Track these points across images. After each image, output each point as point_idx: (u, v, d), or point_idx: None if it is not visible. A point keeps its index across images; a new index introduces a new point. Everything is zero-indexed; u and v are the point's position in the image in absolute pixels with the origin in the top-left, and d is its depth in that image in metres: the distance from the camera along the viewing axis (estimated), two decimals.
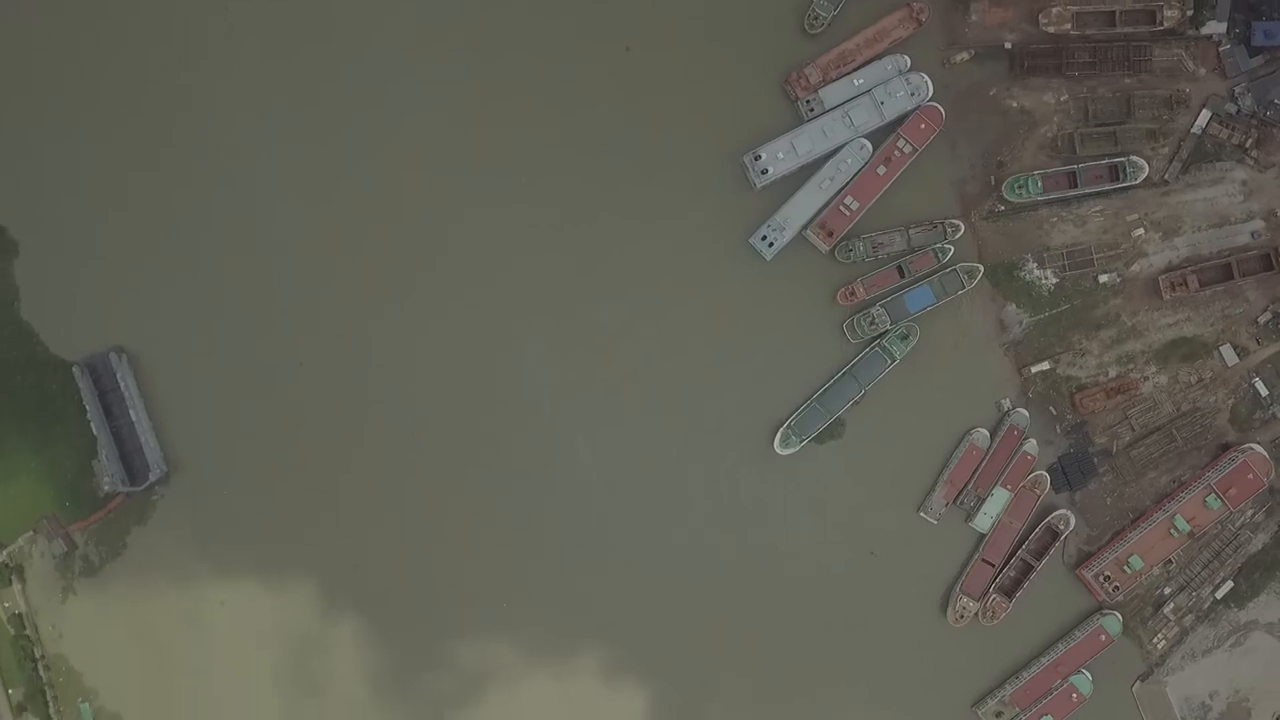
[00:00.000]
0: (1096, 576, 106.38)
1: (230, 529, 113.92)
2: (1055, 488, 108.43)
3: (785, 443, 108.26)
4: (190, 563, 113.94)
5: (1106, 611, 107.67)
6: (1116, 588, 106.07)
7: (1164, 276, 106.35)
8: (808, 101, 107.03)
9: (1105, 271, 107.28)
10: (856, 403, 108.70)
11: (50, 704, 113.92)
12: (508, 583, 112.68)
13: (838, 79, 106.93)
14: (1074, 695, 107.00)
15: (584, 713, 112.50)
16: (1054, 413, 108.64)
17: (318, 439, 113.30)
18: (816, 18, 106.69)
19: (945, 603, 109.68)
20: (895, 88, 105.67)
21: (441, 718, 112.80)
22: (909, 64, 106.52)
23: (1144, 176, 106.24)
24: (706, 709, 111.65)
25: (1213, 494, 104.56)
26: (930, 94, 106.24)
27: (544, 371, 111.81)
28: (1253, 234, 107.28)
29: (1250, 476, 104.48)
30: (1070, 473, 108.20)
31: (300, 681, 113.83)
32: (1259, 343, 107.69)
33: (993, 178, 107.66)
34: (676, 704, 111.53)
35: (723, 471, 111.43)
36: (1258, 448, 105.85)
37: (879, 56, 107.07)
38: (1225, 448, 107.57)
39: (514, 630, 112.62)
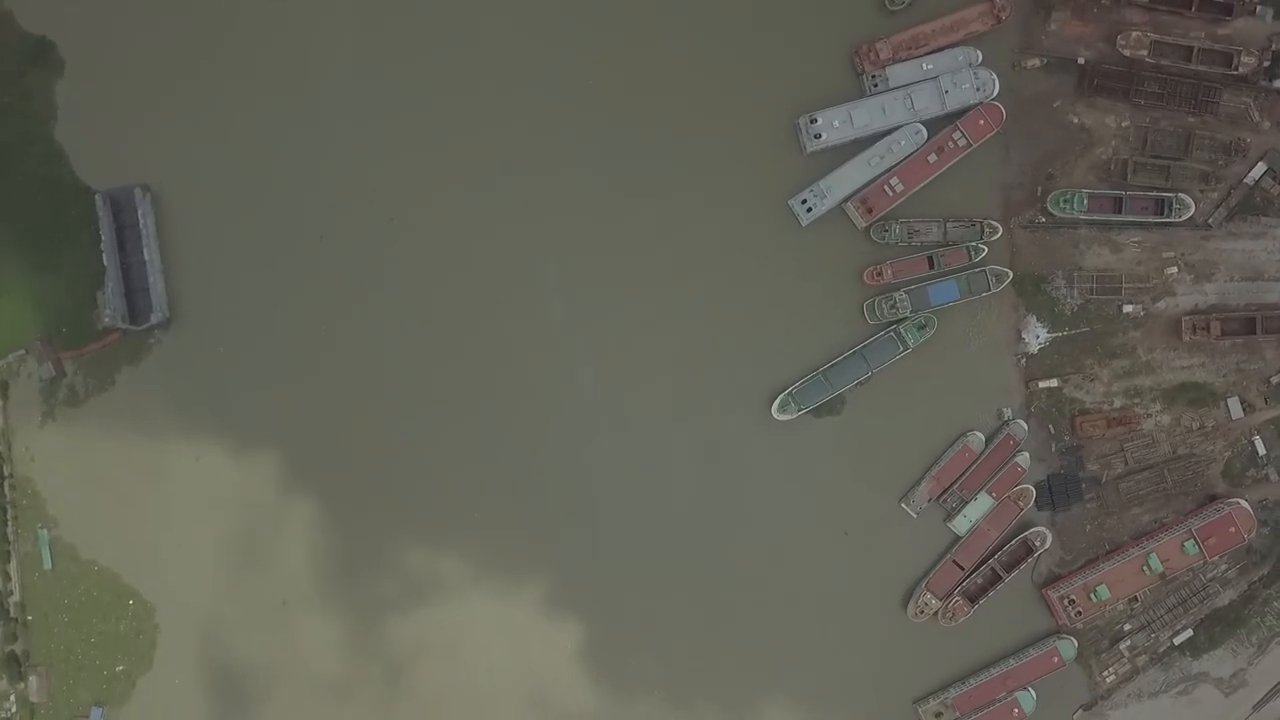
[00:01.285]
0: (1062, 599, 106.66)
1: (217, 387, 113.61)
2: (1038, 505, 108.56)
3: (784, 408, 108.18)
4: (172, 412, 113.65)
5: (1064, 635, 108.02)
6: (1079, 613, 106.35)
7: (1188, 318, 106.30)
8: (873, 76, 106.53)
9: (1131, 302, 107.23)
10: (861, 383, 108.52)
11: (9, 523, 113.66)
12: (475, 498, 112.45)
13: (907, 60, 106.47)
14: (1016, 710, 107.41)
15: (517, 639, 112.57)
16: (1052, 431, 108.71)
17: (321, 318, 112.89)
18: None
19: (908, 596, 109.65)
20: (962, 79, 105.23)
21: (377, 619, 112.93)
22: (980, 59, 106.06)
23: (1188, 216, 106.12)
24: (636, 660, 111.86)
25: (1192, 540, 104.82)
26: (995, 93, 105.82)
27: (562, 299, 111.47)
28: None
29: (1232, 530, 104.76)
30: (1056, 493, 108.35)
31: (247, 553, 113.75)
32: (1266, 402, 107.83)
33: (1040, 188, 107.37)
34: (608, 649, 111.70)
35: (716, 426, 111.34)
36: (1244, 503, 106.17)
37: (952, 45, 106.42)
38: (1212, 499, 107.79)
39: (467, 547, 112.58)
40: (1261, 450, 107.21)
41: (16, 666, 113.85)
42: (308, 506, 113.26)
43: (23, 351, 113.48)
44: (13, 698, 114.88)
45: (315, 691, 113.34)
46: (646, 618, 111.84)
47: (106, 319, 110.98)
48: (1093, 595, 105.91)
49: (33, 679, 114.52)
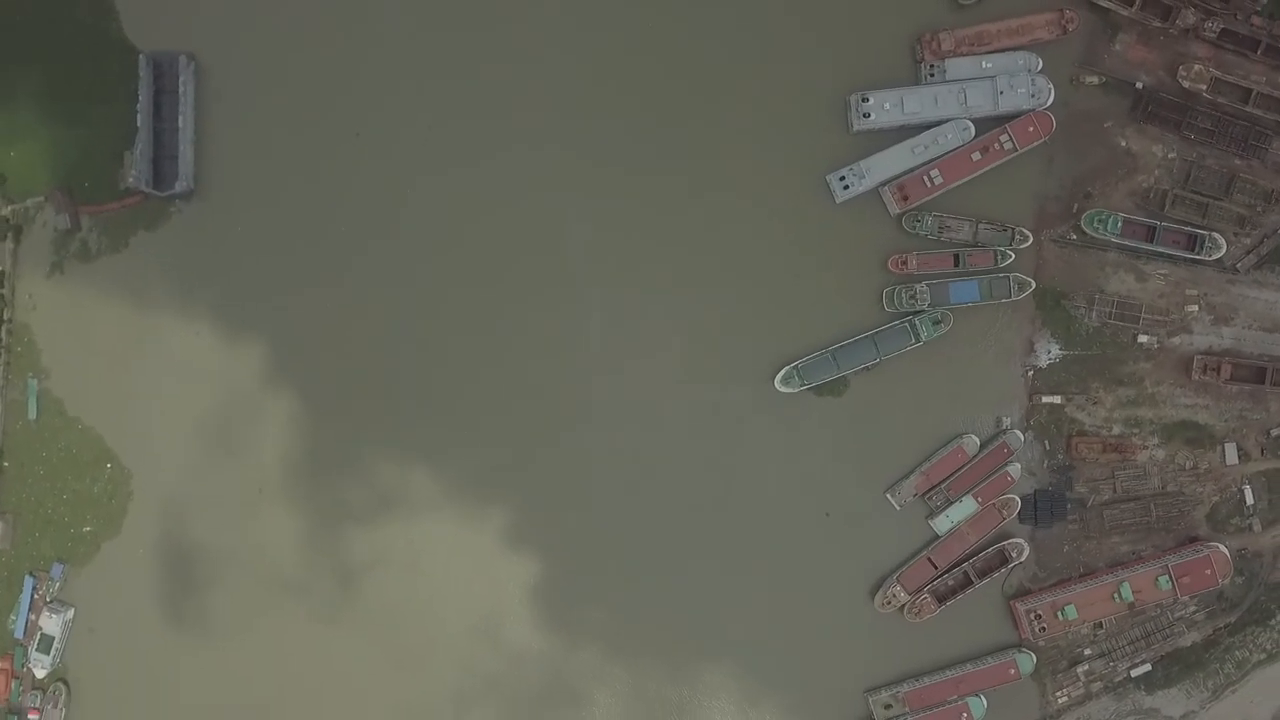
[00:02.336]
0: (1029, 613, 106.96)
1: (227, 267, 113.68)
2: (1021, 517, 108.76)
3: (787, 381, 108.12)
4: (179, 284, 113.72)
5: (1024, 649, 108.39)
6: (1043, 629, 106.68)
7: (1199, 358, 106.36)
8: (931, 66, 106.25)
9: (1147, 333, 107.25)
10: (868, 368, 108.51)
11: (2, 368, 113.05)
12: (458, 422, 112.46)
13: (968, 55, 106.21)
14: (965, 715, 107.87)
15: (474, 567, 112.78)
16: (1047, 447, 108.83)
17: (341, 217, 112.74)
18: None
19: (877, 587, 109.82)
20: (1019, 83, 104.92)
21: (340, 523, 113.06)
22: (1040, 66, 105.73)
23: (1218, 256, 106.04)
24: (588, 608, 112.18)
25: (1167, 575, 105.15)
26: (1049, 102, 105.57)
27: (584, 241, 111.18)
28: None
29: (1208, 572, 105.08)
30: (1041, 508, 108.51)
31: (226, 436, 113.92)
32: (1263, 453, 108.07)
33: (1076, 205, 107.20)
34: (562, 592, 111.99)
35: (717, 389, 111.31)
36: (1223, 549, 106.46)
37: (1015, 49, 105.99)
38: (1193, 540, 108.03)
39: (441, 468, 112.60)
40: (1250, 500, 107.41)
41: None
42: (292, 401, 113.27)
43: (42, 199, 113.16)
44: None
45: (268, 585, 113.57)
46: (607, 568, 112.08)
47: (131, 180, 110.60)
48: (1060, 614, 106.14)
49: (0, 526, 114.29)
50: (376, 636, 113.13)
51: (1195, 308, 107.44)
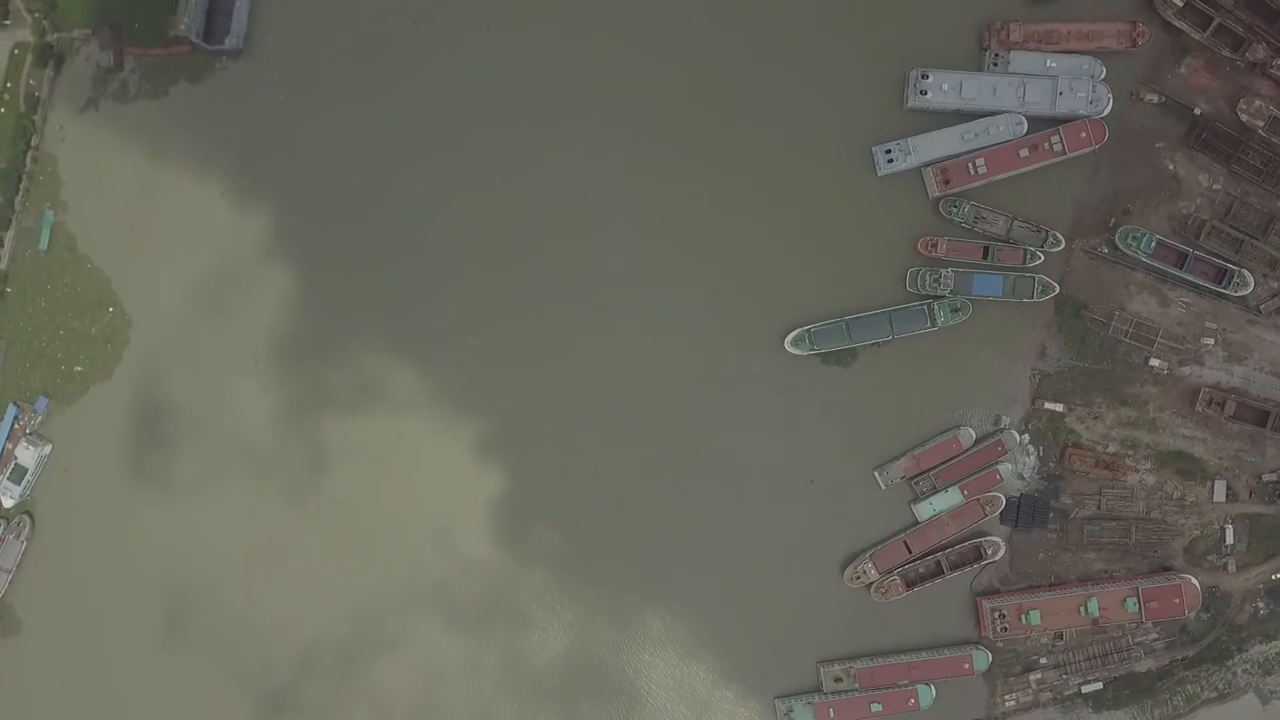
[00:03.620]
0: (993, 611, 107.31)
1: (261, 132, 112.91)
2: (1003, 517, 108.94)
3: (797, 343, 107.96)
4: (210, 139, 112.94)
5: (983, 647, 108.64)
6: (1005, 629, 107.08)
7: (1206, 391, 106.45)
8: (996, 55, 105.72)
9: (1159, 358, 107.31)
10: (878, 345, 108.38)
11: (21, 193, 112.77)
12: (456, 328, 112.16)
13: (1034, 50, 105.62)
14: (912, 700, 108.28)
15: (442, 471, 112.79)
16: (1041, 453, 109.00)
17: (384, 102, 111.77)
18: None
19: (849, 561, 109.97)
20: (1079, 88, 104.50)
21: (319, 408, 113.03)
22: (1103, 74, 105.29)
23: (1244, 294, 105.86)
24: (548, 534, 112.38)
25: (1136, 598, 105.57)
26: (1106, 111, 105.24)
27: (622, 176, 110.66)
28: None
29: (1176, 601, 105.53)
30: (1024, 512, 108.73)
31: (221, 301, 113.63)
32: (1251, 496, 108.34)
33: (1113, 219, 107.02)
34: (524, 512, 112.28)
35: (726, 340, 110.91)
36: (1195, 582, 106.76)
37: (1081, 53, 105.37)
38: (1166, 569, 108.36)
39: (430, 372, 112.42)
40: (1230, 540, 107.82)
41: None
42: (293, 278, 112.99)
43: (89, 32, 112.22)
44: None
45: (240, 456, 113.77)
46: (574, 499, 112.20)
47: (181, 28, 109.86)
48: (1024, 617, 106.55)
49: None
50: (335, 524, 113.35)
51: (1211, 341, 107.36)
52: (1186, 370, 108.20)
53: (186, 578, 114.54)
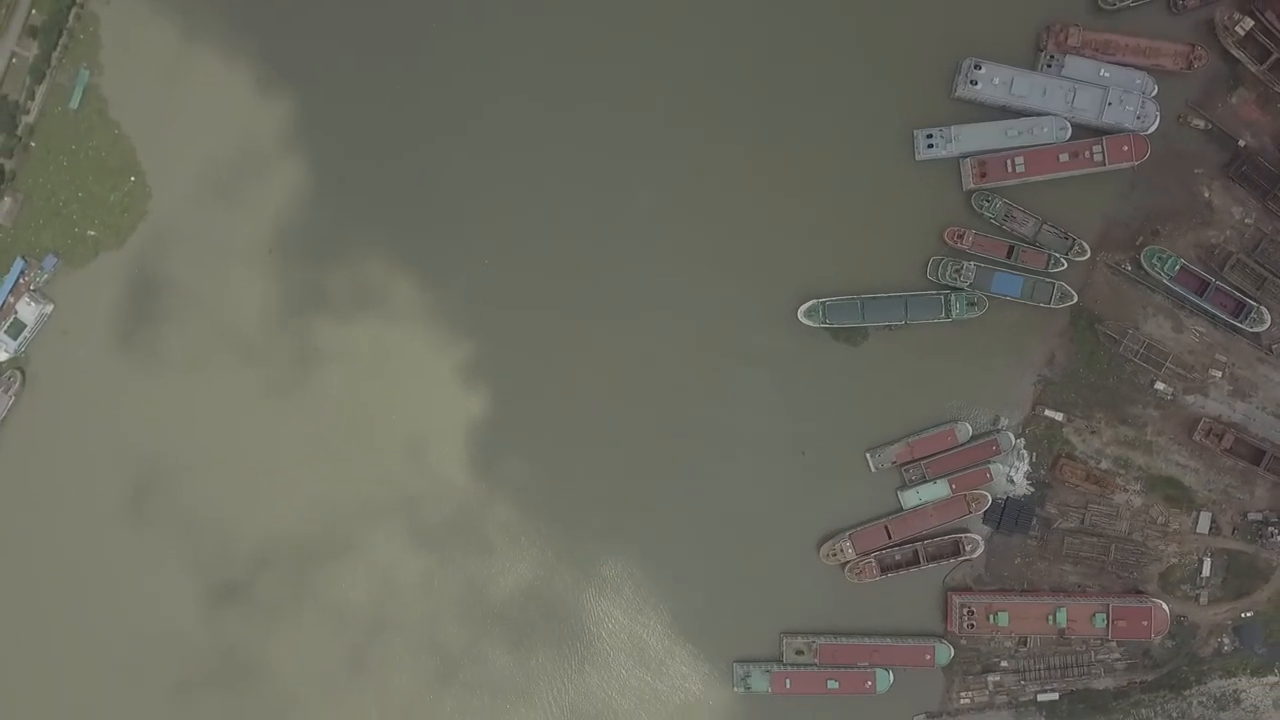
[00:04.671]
0: (963, 607, 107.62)
1: (298, 25, 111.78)
2: (986, 516, 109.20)
3: (810, 314, 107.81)
4: (248, 25, 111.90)
5: (947, 641, 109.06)
6: (971, 626, 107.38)
7: (1206, 421, 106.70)
8: (1051, 56, 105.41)
9: (1165, 382, 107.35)
10: (890, 328, 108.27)
11: (59, 49, 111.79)
12: (465, 249, 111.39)
13: (1089, 58, 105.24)
14: (869, 683, 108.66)
15: (427, 388, 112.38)
16: (1033, 459, 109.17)
17: (434, 10, 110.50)
18: None
19: (827, 538, 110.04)
20: (1129, 101, 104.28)
21: (314, 307, 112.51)
22: (1155, 91, 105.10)
23: (1260, 330, 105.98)
24: (521, 464, 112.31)
25: (1105, 614, 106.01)
26: (1151, 129, 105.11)
27: (661, 131, 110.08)
28: None
29: (1145, 623, 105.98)
30: (1007, 515, 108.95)
31: (229, 185, 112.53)
32: (1234, 532, 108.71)
33: (1141, 238, 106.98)
34: (501, 441, 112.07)
35: (740, 303, 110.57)
36: (1166, 607, 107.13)
37: (1136, 67, 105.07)
38: (1139, 592, 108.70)
39: (433, 288, 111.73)
40: (1206, 572, 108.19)
41: None
42: (312, 172, 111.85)
43: None
44: None
45: (230, 343, 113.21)
46: (557, 439, 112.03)
47: None
48: (992, 617, 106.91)
49: (7, 200, 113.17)
50: (314, 424, 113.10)
51: (1219, 373, 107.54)
52: (1190, 399, 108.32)
53: (160, 455, 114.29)
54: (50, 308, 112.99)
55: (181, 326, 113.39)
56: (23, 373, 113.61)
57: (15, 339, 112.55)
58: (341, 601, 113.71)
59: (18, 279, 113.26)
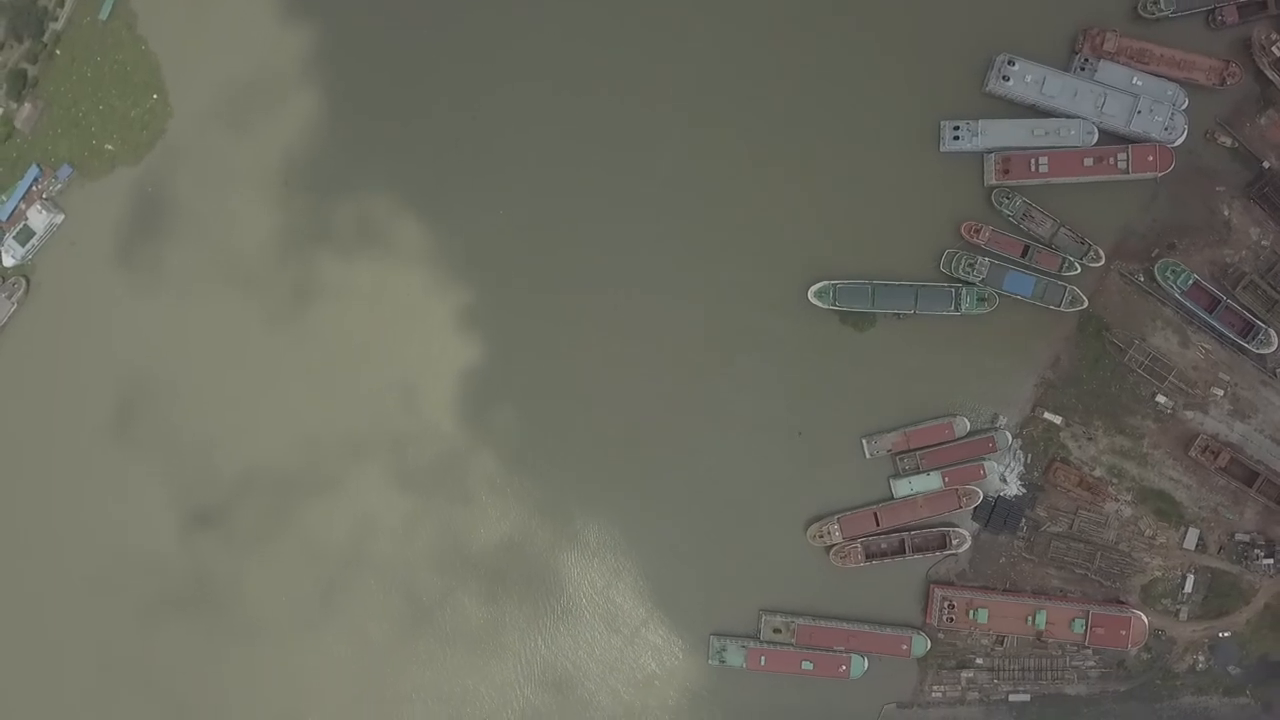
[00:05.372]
0: (943, 599, 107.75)
1: None
2: (976, 513, 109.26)
3: (821, 295, 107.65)
4: None
5: (924, 633, 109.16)
6: (950, 620, 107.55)
7: (1204, 438, 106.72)
8: (1085, 60, 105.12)
9: (1167, 396, 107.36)
10: (898, 316, 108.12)
11: None
12: (478, 192, 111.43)
13: (1123, 65, 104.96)
14: (843, 667, 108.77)
15: (421, 330, 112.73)
16: (1027, 460, 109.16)
17: None
18: (1155, 4, 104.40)
19: (815, 520, 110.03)
20: (1159, 112, 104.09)
21: (317, 238, 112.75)
22: (1185, 104, 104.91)
23: (1267, 352, 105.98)
24: (509, 418, 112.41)
25: (1084, 620, 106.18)
26: (1178, 142, 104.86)
27: (691, 106, 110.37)
28: None
29: (1123, 633, 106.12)
30: (996, 514, 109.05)
31: (249, 111, 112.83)
32: (1220, 552, 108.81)
33: (1156, 250, 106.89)
34: (492, 392, 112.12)
35: (750, 279, 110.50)
36: (1146, 619, 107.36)
37: (1168, 78, 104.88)
38: (1120, 602, 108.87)
39: (436, 226, 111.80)
40: (1188, 589, 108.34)
41: (21, 85, 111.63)
42: (335, 103, 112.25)
43: None
44: (1, 112, 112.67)
45: (231, 269, 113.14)
46: (551, 396, 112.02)
47: None
48: (971, 613, 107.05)
49: (28, 106, 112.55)
50: (306, 356, 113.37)
51: (1221, 392, 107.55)
52: (1189, 414, 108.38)
53: (152, 375, 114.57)
54: (61, 218, 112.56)
55: (186, 249, 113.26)
56: (28, 280, 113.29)
57: (23, 246, 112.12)
58: (319, 537, 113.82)
59: (31, 186, 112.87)
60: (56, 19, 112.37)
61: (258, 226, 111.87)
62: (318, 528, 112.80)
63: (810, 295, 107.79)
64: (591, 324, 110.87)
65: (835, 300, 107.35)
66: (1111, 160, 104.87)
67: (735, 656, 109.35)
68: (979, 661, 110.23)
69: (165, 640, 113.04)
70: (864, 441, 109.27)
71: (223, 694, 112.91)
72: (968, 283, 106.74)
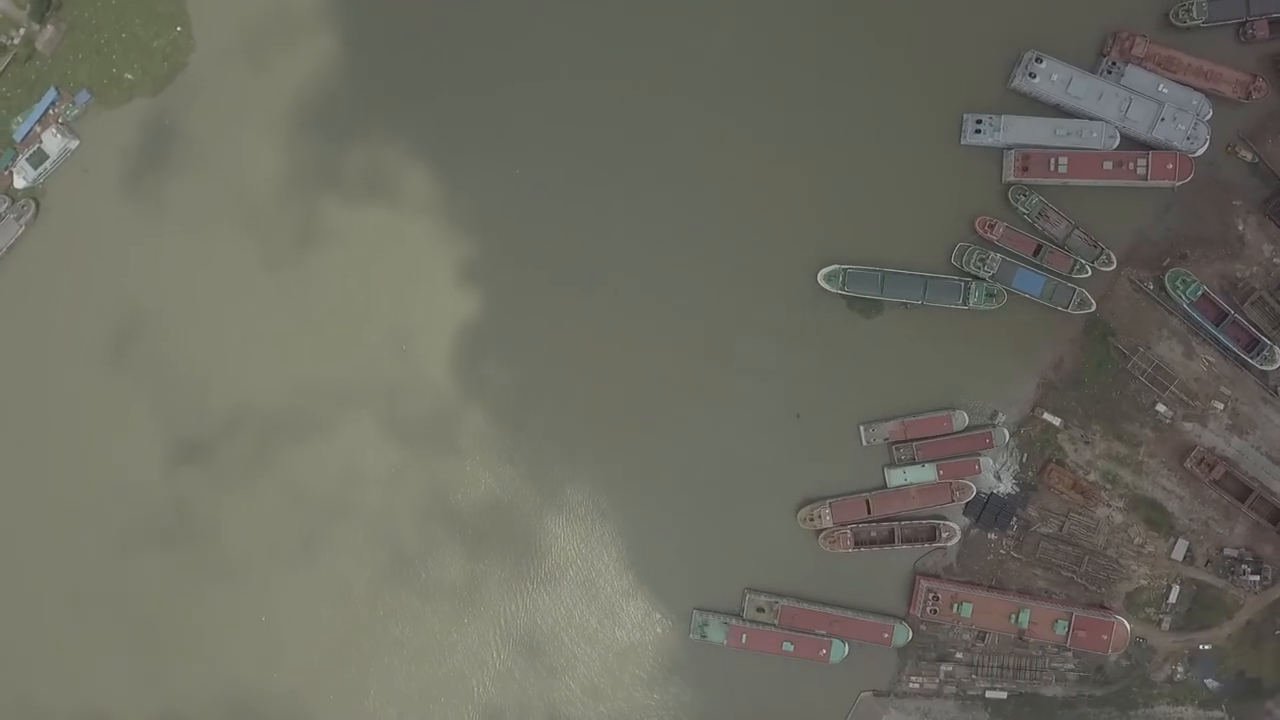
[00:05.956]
0: (928, 592, 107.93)
1: None
2: (967, 508, 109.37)
3: (831, 279, 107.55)
4: None
5: (907, 623, 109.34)
6: (933, 611, 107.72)
7: (1200, 450, 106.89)
8: (1113, 63, 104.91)
9: (1167, 405, 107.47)
10: (905, 305, 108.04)
11: None
12: (495, 147, 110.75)
13: (1150, 71, 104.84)
14: (824, 651, 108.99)
15: (421, 281, 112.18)
16: (1023, 460, 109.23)
17: None
18: (1187, 13, 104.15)
19: (807, 503, 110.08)
20: (1182, 120, 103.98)
21: (324, 186, 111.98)
22: (1209, 115, 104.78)
23: (1270, 369, 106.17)
24: (502, 377, 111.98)
25: (1067, 621, 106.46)
26: (1199, 152, 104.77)
27: (717, 82, 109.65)
28: None
29: (1105, 637, 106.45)
30: (988, 510, 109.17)
31: (271, 48, 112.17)
32: (1207, 565, 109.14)
33: (1168, 259, 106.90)
34: (490, 346, 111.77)
35: (760, 258, 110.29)
36: (1128, 625, 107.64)
37: (1194, 88, 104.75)
38: (1103, 607, 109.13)
39: (445, 180, 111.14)
40: (1173, 599, 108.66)
41: (45, 7, 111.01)
42: (345, 43, 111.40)
43: None
44: (23, 32, 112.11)
45: (238, 207, 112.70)
46: (548, 357, 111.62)
47: None
48: (956, 606, 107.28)
49: (50, 28, 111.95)
50: (305, 299, 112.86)
51: (1221, 406, 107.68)
52: (1188, 426, 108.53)
53: (152, 306, 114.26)
54: (76, 143, 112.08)
55: (197, 184, 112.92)
56: (37, 203, 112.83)
57: (36, 169, 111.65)
58: (304, 480, 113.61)
59: (48, 109, 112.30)
60: None
61: (270, 167, 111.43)
62: (304, 472, 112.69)
63: (820, 278, 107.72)
64: (593, 288, 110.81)
65: (845, 285, 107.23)
66: (1131, 165, 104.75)
67: (717, 632, 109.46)
68: (959, 656, 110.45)
69: (141, 571, 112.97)
70: (861, 428, 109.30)
71: (196, 631, 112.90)
72: (978, 278, 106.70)
